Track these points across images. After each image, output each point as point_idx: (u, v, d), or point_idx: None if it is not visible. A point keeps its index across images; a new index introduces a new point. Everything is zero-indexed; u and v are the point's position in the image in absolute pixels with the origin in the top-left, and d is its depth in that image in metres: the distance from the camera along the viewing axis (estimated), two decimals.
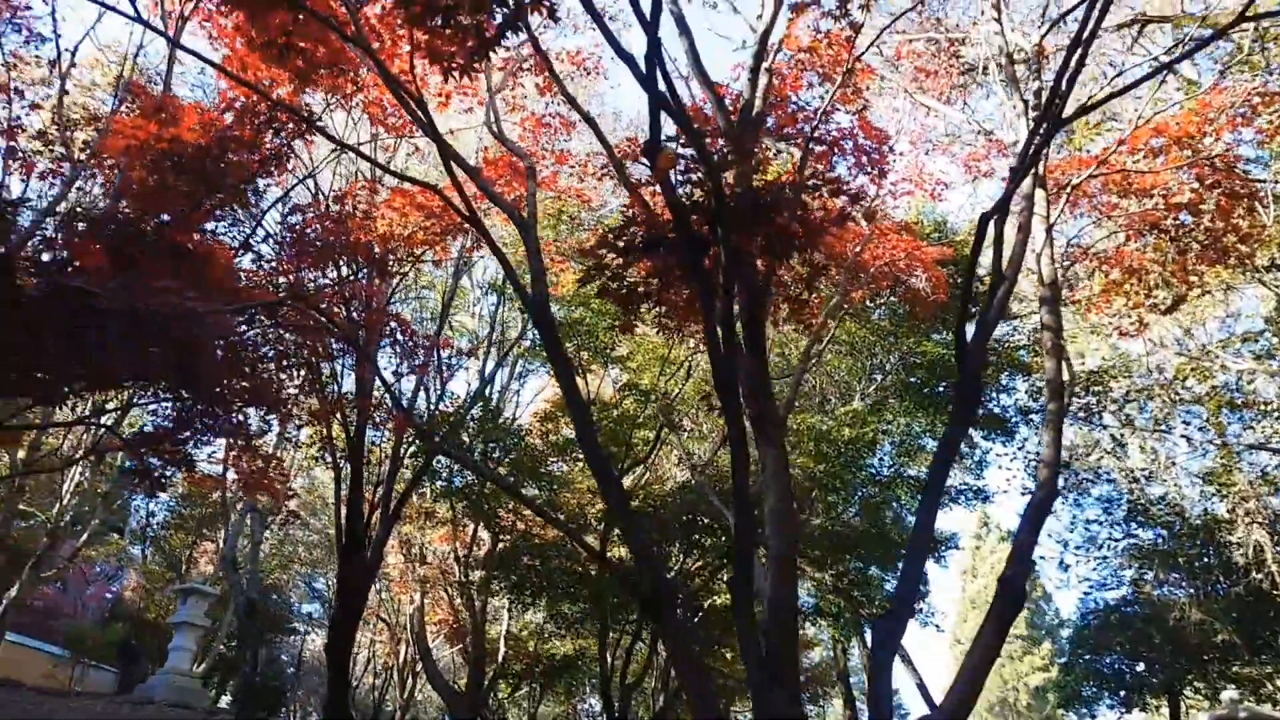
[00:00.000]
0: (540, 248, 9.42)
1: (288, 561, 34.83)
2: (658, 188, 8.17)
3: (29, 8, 15.57)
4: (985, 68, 15.01)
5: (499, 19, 6.45)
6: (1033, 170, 9.16)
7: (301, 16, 9.42)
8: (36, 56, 16.05)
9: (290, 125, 12.56)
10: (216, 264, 11.35)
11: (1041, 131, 6.73)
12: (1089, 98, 11.68)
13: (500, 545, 20.90)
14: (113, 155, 12.60)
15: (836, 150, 11.86)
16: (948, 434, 7.95)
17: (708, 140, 8.38)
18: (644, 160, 7.67)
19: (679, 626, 8.50)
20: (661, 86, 7.71)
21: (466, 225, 15.26)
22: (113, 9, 9.56)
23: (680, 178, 7.64)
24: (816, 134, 10.17)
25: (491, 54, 7.29)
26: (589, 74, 15.82)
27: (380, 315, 15.99)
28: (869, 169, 13.11)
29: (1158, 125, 12.82)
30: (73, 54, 14.57)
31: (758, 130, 9.17)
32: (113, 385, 12.68)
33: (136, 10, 10.01)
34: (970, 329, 8.50)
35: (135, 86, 14.55)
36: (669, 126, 7.97)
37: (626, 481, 19.34)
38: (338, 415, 17.26)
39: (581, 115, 9.85)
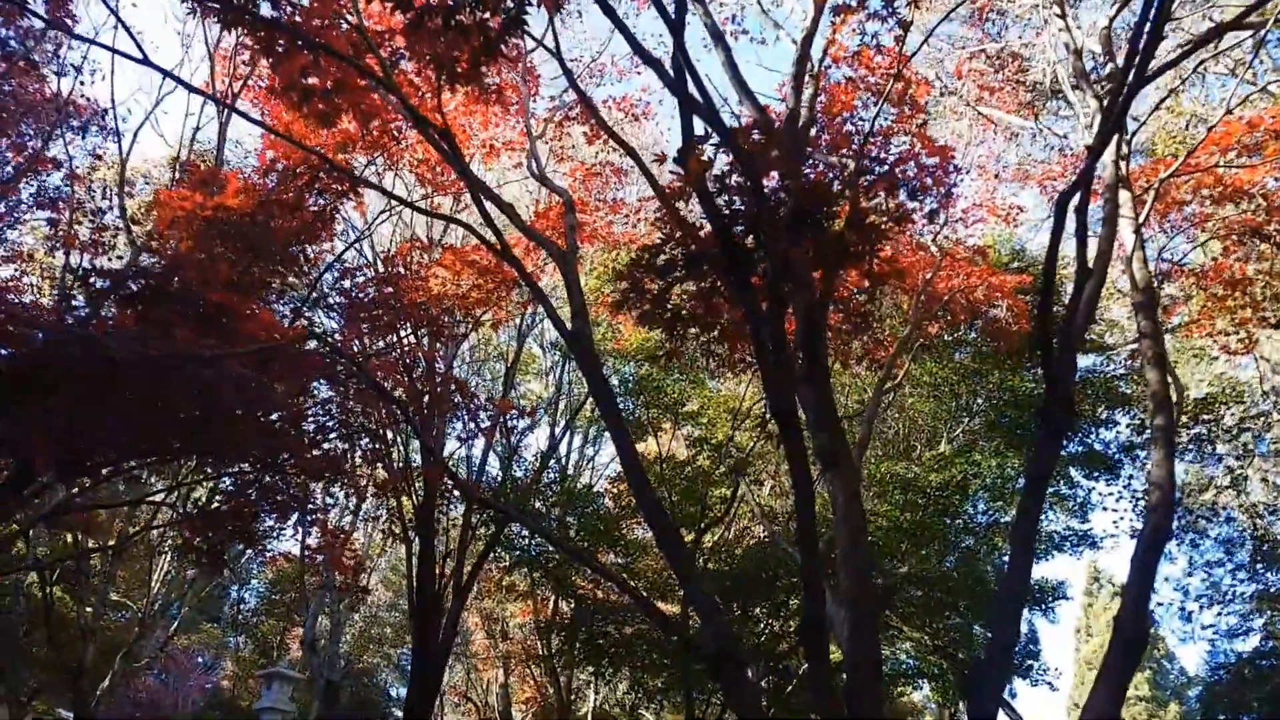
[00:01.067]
0: (579, 280, 8.77)
1: (375, 642, 34.27)
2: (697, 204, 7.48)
3: (103, 114, 15.96)
4: (1054, 80, 14.08)
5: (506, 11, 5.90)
6: (1115, 134, 8.17)
7: (325, 63, 9.17)
8: (100, 154, 16.42)
9: (334, 186, 12.30)
10: (254, 321, 10.95)
11: (1126, 85, 5.79)
12: (1168, 90, 10.65)
13: (576, 612, 19.99)
14: (162, 227, 12.51)
15: (897, 171, 11.02)
16: (1039, 447, 6.93)
17: (749, 148, 7.65)
18: (676, 170, 6.98)
19: (747, 687, 7.53)
20: (692, 90, 7.09)
21: (519, 282, 14.91)
22: (182, 82, 9.30)
23: (716, 185, 6.92)
24: (871, 149, 9.37)
25: (530, 101, 6.82)
26: (637, 119, 15.42)
27: (440, 380, 15.52)
28: (934, 190, 12.26)
29: (1251, 119, 11.69)
30: (133, 140, 14.79)
31: (804, 136, 8.43)
32: (154, 453, 12.28)
33: (213, 92, 9.84)
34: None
35: (191, 166, 14.63)
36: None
37: (705, 540, 18.35)
38: (405, 486, 16.76)
39: (606, 131, 9.24)
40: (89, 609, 25.07)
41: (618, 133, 11.30)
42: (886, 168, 10.88)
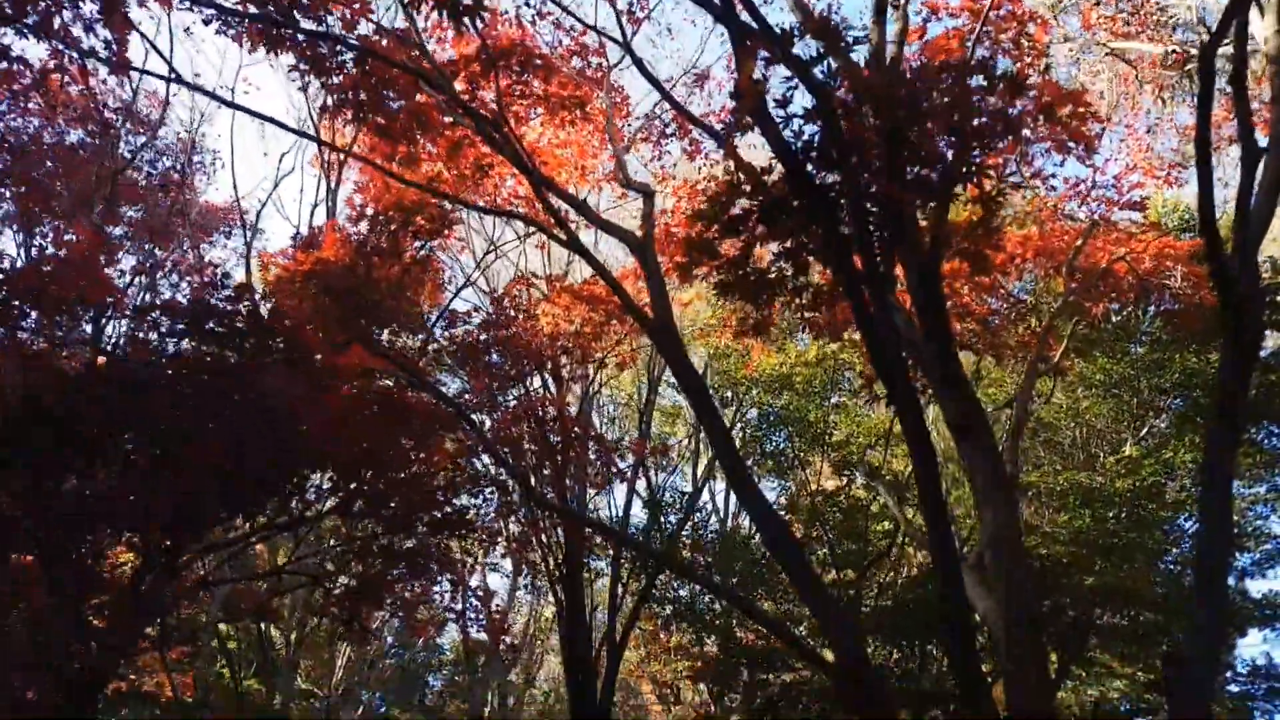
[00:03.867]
0: (659, 269, 7.82)
1: (555, 715, 33.36)
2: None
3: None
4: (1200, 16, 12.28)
5: None
6: None
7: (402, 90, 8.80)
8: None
9: (427, 226, 11.90)
10: (346, 366, 10.48)
11: None
12: None
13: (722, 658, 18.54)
14: (270, 289, 12.42)
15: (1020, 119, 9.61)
16: (1221, 368, 5.39)
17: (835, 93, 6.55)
18: (734, 116, 6.00)
19: (880, 705, 6.16)
20: (745, 19, 6.12)
21: (630, 316, 14.08)
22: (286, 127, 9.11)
23: (781, 112, 5.87)
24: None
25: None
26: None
27: (572, 427, 14.79)
28: (1071, 145, 10.73)
29: None
30: (255, 225, 15.00)
31: (892, 70, 7.24)
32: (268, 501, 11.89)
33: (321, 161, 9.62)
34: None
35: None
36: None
37: (870, 579, 16.68)
38: (545, 540, 15.98)
39: (684, 115, 8.34)
40: (277, 697, 25.44)
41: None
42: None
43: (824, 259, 6.37)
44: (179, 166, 16.40)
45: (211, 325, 8.87)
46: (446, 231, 12.13)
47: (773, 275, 6.63)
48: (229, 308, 9.20)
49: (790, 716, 15.64)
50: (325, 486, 13.59)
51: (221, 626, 26.62)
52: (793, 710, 15.79)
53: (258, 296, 12.82)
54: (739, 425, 18.58)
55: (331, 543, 14.34)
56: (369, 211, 11.76)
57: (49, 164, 15.06)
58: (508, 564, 21.52)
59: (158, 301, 10.49)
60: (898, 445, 16.89)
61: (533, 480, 16.24)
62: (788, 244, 6.53)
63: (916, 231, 6.56)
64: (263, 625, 25.48)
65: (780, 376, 16.18)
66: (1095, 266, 12.61)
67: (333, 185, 14.30)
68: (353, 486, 13.05)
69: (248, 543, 13.20)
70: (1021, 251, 12.85)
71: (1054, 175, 8.05)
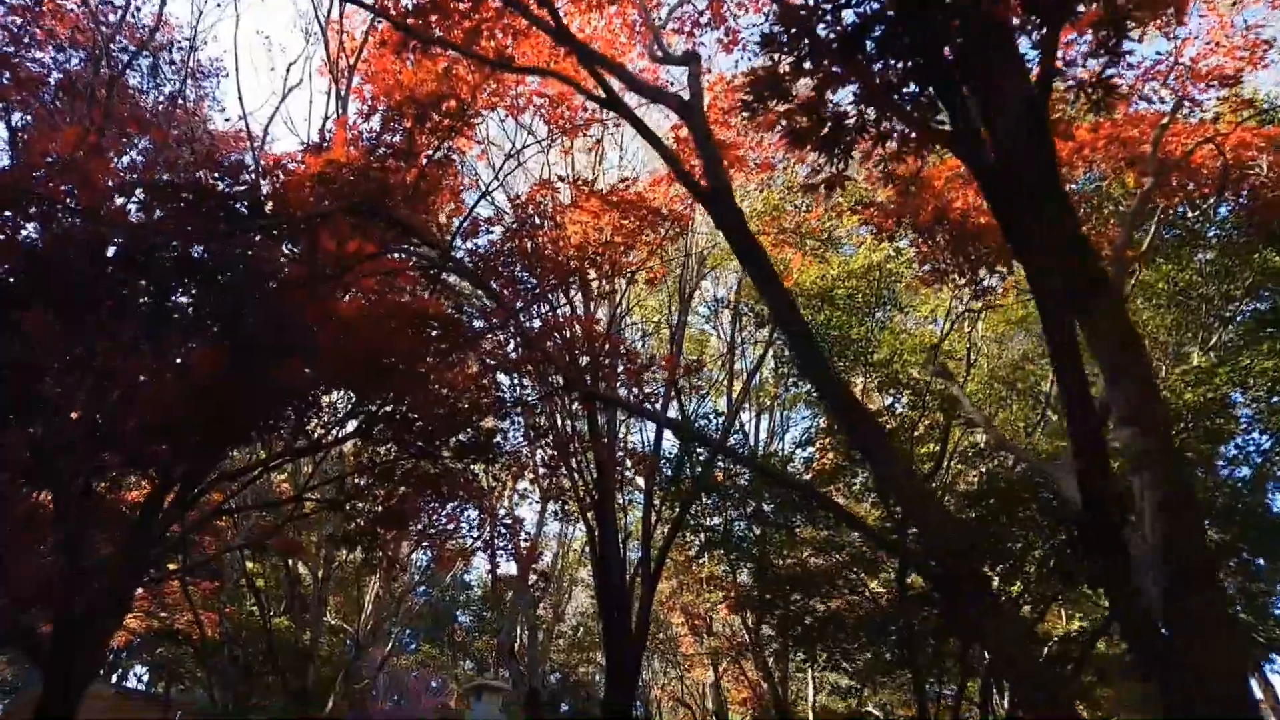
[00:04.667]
0: (709, 133, 6.71)
1: (583, 649, 32.94)
2: None
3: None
4: None
5: None
6: None
7: None
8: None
9: (445, 122, 10.76)
10: (357, 255, 9.43)
11: None
12: None
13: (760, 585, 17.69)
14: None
15: None
16: None
17: None
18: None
19: (998, 616, 5.19)
20: None
21: (668, 219, 12.97)
22: None
23: None
24: None
25: None
26: None
27: (600, 343, 13.74)
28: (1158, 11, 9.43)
29: None
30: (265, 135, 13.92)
31: None
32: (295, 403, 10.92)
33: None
34: None
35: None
36: None
37: None
38: (574, 464, 15.08)
39: None
40: (307, 633, 24.97)
41: None
42: None
43: (922, 79, 5.24)
44: (181, 80, 15.27)
45: (210, 206, 7.80)
46: (464, 128, 11.01)
47: (852, 119, 5.54)
48: (228, 189, 8.10)
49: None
50: (344, 409, 12.71)
51: (250, 564, 26.22)
52: (836, 636, 14.92)
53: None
54: (774, 347, 17.49)
55: (352, 470, 13.46)
56: (380, 106, 10.64)
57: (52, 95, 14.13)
58: (536, 497, 20.75)
59: (141, 180, 9.32)
60: (947, 359, 15.86)
61: (561, 403, 15.31)
62: (875, 79, 5.43)
63: (1020, 63, 5.45)
64: (290, 562, 25.00)
65: (822, 290, 15.06)
66: (1171, 156, 11.36)
67: (342, 93, 13.14)
68: (373, 408, 12.17)
69: (265, 469, 12.35)
70: (1091, 140, 11.60)
71: (1130, 52, 6.80)
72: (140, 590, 21.83)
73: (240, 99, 33.78)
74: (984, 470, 14.72)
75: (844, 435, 6.84)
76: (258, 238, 7.93)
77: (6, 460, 8.71)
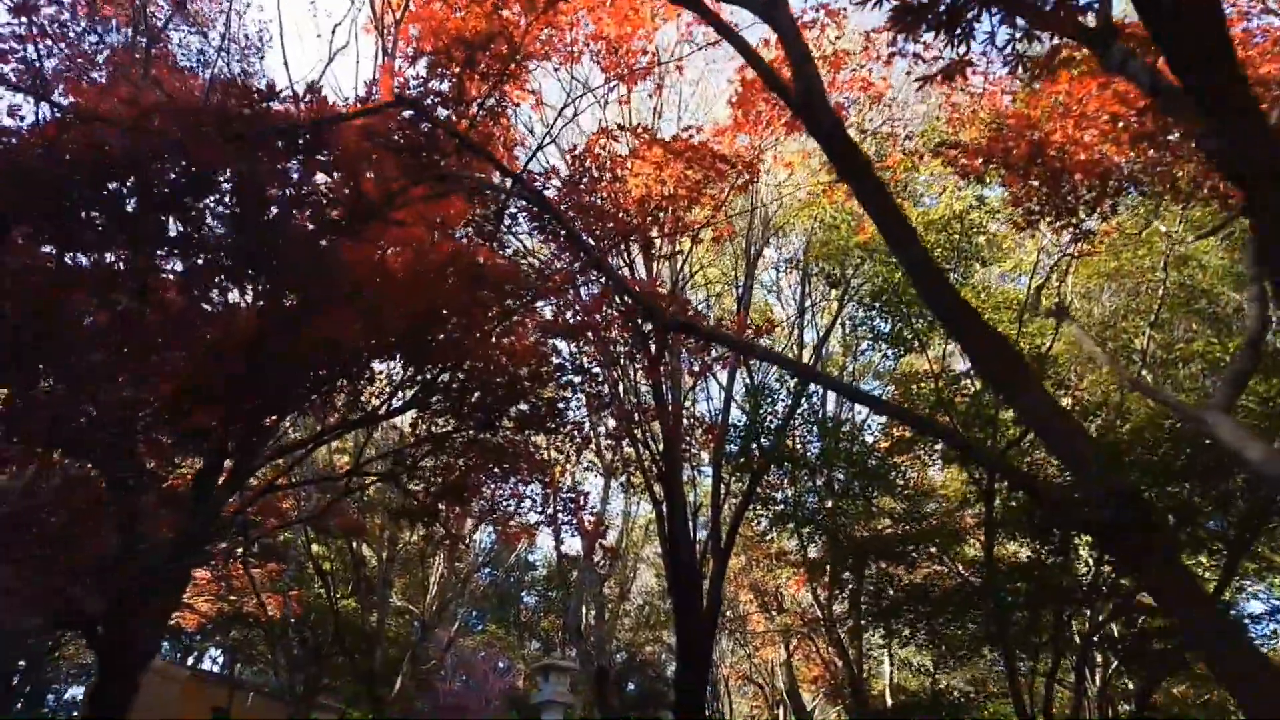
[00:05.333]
0: (799, 32, 5.79)
1: (650, 628, 32.25)
2: None
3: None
4: None
5: None
6: None
7: None
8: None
9: (495, 66, 9.95)
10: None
11: None
12: None
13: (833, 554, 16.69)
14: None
15: None
16: None
17: None
18: None
19: (1175, 568, 4.24)
20: None
21: (737, 167, 12.02)
22: None
23: None
24: None
25: None
26: None
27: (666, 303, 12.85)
28: None
29: None
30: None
31: None
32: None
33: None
34: None
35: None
36: None
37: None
38: (640, 435, 14.27)
39: None
40: (373, 616, 24.67)
41: None
42: None
43: None
44: (224, 46, 14.68)
45: (237, 131, 6.98)
46: (516, 73, 10.20)
47: None
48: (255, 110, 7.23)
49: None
50: (399, 379, 12.03)
51: (316, 547, 25.99)
52: (918, 611, 13.91)
53: None
54: (848, 307, 16.44)
55: (409, 442, 12.79)
56: (427, 50, 9.86)
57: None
58: (600, 471, 20.02)
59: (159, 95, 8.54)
60: (1033, 321, 14.72)
61: (625, 371, 14.51)
62: None
63: None
64: (354, 544, 24.70)
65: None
66: None
67: (389, 48, 12.42)
68: (429, 375, 11.48)
69: (318, 442, 11.74)
70: None
71: None
72: (205, 573, 21.71)
73: (286, 65, 33.45)
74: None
75: (975, 367, 5.86)
76: (294, 171, 7.15)
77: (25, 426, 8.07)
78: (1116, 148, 9.88)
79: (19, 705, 18.77)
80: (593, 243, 12.48)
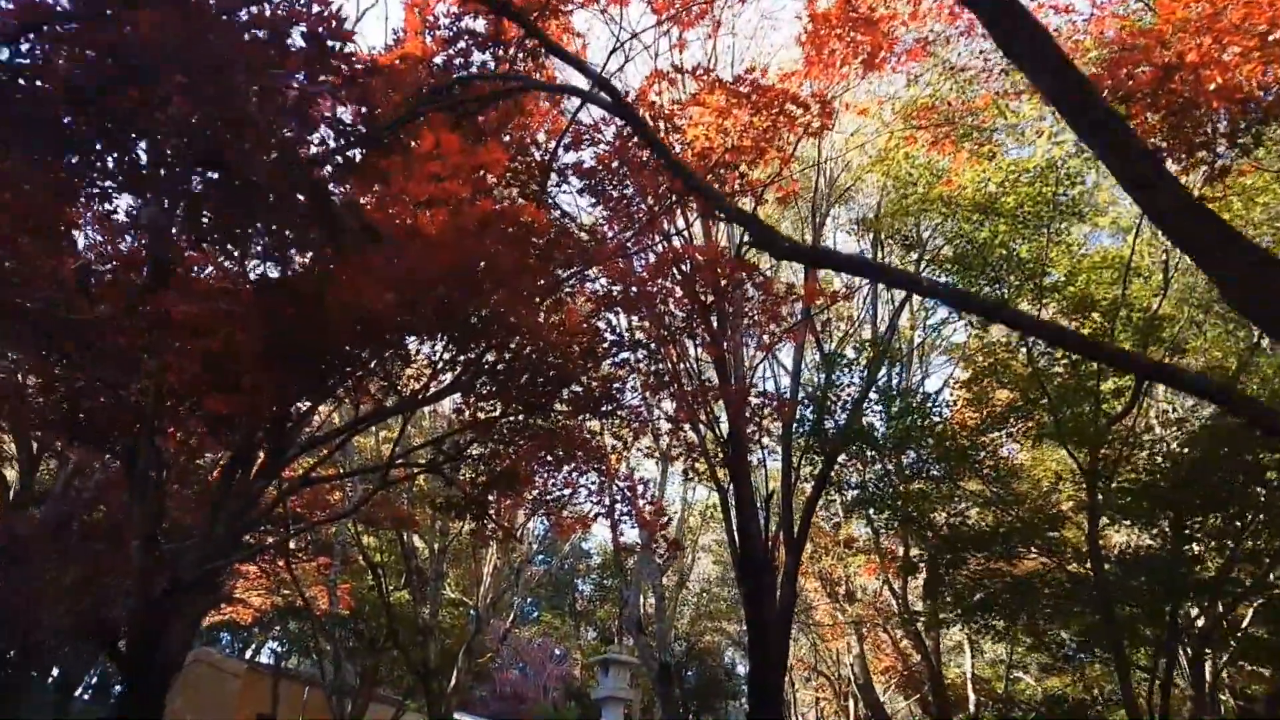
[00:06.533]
0: None
1: (710, 618, 30.98)
2: None
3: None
4: None
5: None
6: None
7: None
8: None
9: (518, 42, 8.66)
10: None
11: None
12: None
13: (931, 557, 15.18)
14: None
15: None
16: None
17: None
18: None
19: None
20: None
21: (810, 111, 10.61)
22: None
23: None
24: None
25: None
26: None
27: (728, 269, 11.51)
28: None
29: None
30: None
31: None
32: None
33: None
34: None
35: None
36: None
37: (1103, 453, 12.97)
38: (705, 415, 12.95)
39: None
40: (426, 608, 23.75)
41: None
42: None
43: None
44: None
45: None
46: (557, 5, 8.88)
47: None
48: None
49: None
50: (441, 361, 10.84)
51: (367, 539, 25.18)
52: (1012, 605, 12.39)
53: None
54: (925, 271, 14.89)
55: (456, 429, 11.61)
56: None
57: None
58: (658, 456, 18.74)
59: None
60: (1138, 279, 13.14)
61: (683, 349, 13.20)
62: None
63: None
64: (405, 536, 23.79)
65: (984, 198, 12.42)
66: None
67: None
68: (473, 355, 10.28)
69: (353, 431, 10.60)
70: None
71: None
72: (253, 567, 20.92)
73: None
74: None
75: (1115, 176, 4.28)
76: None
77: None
78: (1264, 69, 8.31)
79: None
80: (648, 204, 11.17)
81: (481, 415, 10.91)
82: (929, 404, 14.75)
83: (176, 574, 9.16)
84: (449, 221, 7.59)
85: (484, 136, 8.81)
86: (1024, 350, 13.35)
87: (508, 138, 10.02)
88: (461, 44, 8.99)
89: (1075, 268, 13.63)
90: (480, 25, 8.87)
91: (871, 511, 15.25)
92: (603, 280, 11.96)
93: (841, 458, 14.43)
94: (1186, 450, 11.69)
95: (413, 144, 7.44)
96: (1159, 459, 12.44)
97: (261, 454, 10.26)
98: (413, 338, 8.89)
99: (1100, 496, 12.45)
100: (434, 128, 7.36)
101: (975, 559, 12.90)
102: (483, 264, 7.60)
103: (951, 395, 16.50)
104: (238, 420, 9.29)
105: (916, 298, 15.69)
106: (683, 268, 12.03)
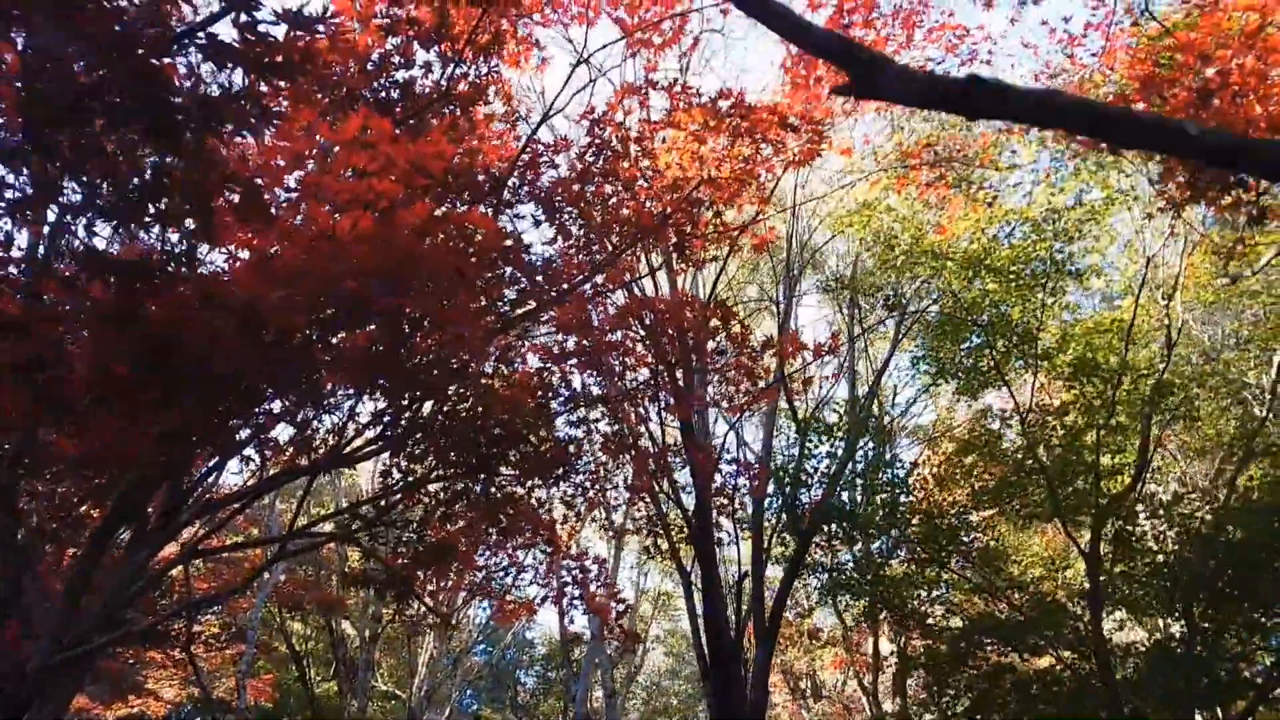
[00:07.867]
0: None
1: (666, 714, 28.71)
2: None
3: None
4: None
5: None
6: None
7: None
8: None
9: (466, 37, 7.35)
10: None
11: None
12: None
13: (918, 654, 13.51)
14: None
15: None
16: None
17: None
18: None
19: None
20: None
21: (800, 131, 9.37)
22: None
23: None
24: None
25: None
26: None
27: (698, 315, 10.07)
28: None
29: None
30: None
31: None
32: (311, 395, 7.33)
33: None
34: None
35: None
36: None
37: (1105, 531, 11.58)
38: (665, 485, 11.37)
39: None
40: (354, 701, 21.45)
41: None
42: None
43: None
44: None
45: None
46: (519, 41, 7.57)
47: None
48: None
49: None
50: (363, 415, 9.17)
51: (295, 625, 23.08)
52: (1029, 709, 10.75)
53: None
54: (916, 329, 13.55)
55: (377, 493, 9.83)
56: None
57: None
58: (611, 531, 16.98)
59: None
60: (1140, 339, 12.01)
61: (637, 403, 11.66)
62: None
63: None
64: (334, 621, 21.70)
65: (980, 249, 11.23)
66: None
67: None
68: (404, 403, 8.64)
69: (257, 495, 8.80)
70: None
71: None
72: (158, 655, 18.56)
73: None
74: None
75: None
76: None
77: None
78: None
79: None
80: (610, 245, 9.75)
81: (412, 475, 9.22)
82: (911, 477, 13.35)
83: (20, 661, 7.24)
84: (376, 230, 6.04)
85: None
86: (1017, 420, 12.06)
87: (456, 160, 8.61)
88: (400, 38, 7.63)
89: (1067, 330, 12.48)
90: (425, 14, 7.51)
91: (847, 598, 13.63)
92: (557, 333, 10.48)
93: (816, 538, 12.89)
94: (1215, 530, 10.33)
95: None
96: (1169, 538, 11.05)
97: (151, 516, 8.45)
98: (327, 371, 7.20)
99: (1102, 579, 11.08)
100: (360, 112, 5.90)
101: (979, 654, 11.31)
102: (410, 262, 6.05)
103: (920, 473, 15.05)
104: (108, 468, 7.52)
105: (893, 360, 14.34)
106: (645, 320, 10.61)
